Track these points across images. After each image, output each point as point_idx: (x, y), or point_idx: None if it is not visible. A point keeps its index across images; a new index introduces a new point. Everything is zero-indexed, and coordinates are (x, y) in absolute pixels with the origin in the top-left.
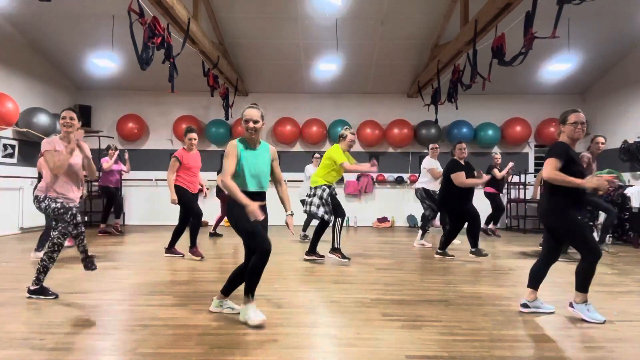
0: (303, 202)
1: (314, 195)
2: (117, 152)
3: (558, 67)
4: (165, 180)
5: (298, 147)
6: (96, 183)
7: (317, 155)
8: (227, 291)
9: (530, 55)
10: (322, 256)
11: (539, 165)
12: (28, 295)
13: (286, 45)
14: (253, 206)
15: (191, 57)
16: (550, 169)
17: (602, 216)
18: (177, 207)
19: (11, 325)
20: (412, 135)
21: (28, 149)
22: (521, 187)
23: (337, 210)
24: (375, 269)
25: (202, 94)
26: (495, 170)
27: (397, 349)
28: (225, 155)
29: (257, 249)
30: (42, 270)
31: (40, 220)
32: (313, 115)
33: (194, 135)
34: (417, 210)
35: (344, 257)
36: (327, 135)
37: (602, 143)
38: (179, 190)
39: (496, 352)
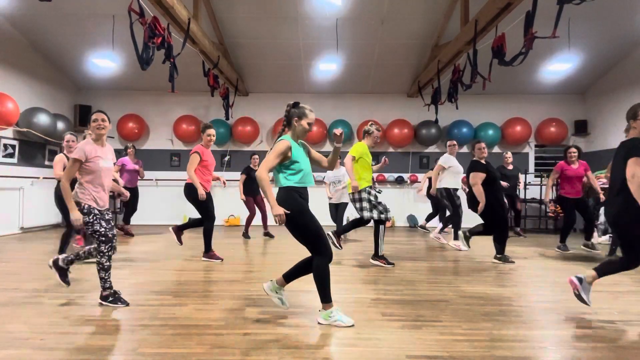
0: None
1: (360, 199)
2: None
3: (558, 67)
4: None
5: None
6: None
7: None
8: (289, 278)
9: (530, 55)
10: (340, 248)
11: (539, 165)
12: (50, 264)
13: (286, 45)
14: (280, 210)
15: (191, 57)
16: (636, 171)
17: (601, 216)
18: (177, 207)
19: (12, 325)
20: (412, 135)
21: (28, 149)
22: (521, 186)
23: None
24: (375, 269)
25: (202, 94)
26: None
27: (397, 349)
28: (276, 151)
29: (325, 251)
30: (105, 276)
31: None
32: None
33: (213, 131)
34: (418, 210)
35: (388, 263)
36: (327, 135)
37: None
38: (194, 189)
39: (496, 352)
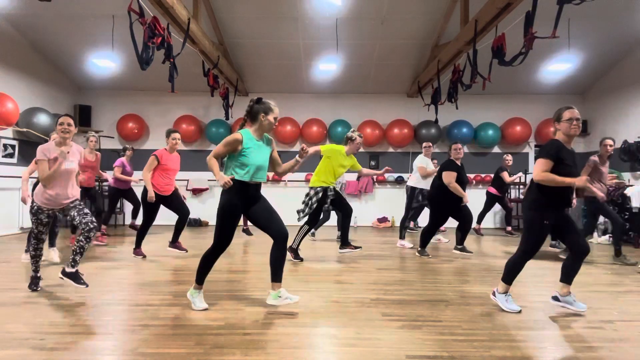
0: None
1: (308, 194)
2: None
3: (558, 67)
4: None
5: (298, 147)
6: (106, 183)
7: None
8: (275, 276)
9: (530, 55)
10: (359, 247)
11: None
12: (60, 276)
13: (286, 45)
14: (225, 178)
15: (191, 57)
16: (539, 170)
17: (601, 216)
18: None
19: (11, 325)
20: (412, 135)
21: (28, 149)
22: (521, 187)
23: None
24: (375, 269)
25: (202, 94)
26: (505, 174)
27: (397, 349)
28: (225, 141)
29: (219, 248)
30: (78, 251)
31: None
32: (313, 115)
33: (177, 135)
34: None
35: (297, 257)
36: (327, 135)
37: (610, 145)
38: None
39: (496, 352)
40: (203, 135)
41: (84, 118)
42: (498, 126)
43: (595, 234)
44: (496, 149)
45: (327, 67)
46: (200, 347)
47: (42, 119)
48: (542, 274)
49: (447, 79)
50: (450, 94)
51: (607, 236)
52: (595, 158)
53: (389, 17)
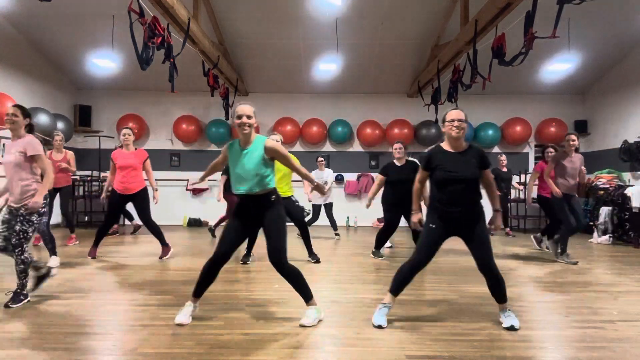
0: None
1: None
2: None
3: (558, 67)
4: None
5: (298, 147)
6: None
7: (320, 159)
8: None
9: (530, 55)
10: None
11: None
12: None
13: (286, 45)
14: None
15: (191, 57)
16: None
17: (602, 216)
18: (177, 207)
19: (11, 325)
20: (412, 135)
21: None
22: (521, 187)
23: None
24: (375, 269)
25: (202, 94)
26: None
27: (397, 349)
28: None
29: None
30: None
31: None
32: (313, 115)
33: (127, 131)
34: None
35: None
36: (327, 135)
37: (573, 140)
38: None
39: (496, 352)
40: (203, 135)
41: (84, 118)
42: (498, 126)
43: (595, 234)
44: (496, 149)
45: (327, 67)
46: (200, 347)
47: (42, 119)
48: (543, 274)
49: (447, 79)
50: (450, 94)
51: (607, 236)
52: (550, 150)
53: (389, 17)
